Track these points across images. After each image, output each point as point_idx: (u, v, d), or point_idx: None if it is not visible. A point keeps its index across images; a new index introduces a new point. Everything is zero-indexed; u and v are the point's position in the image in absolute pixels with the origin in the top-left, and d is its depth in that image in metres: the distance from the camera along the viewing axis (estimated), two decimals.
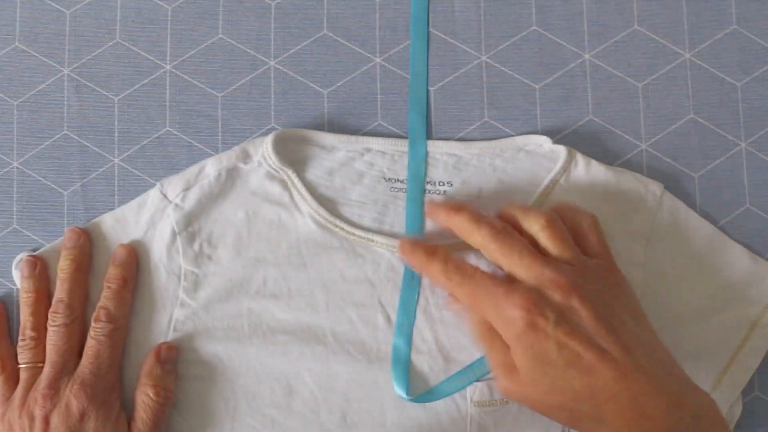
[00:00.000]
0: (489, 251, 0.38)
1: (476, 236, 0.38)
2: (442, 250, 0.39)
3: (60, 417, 0.39)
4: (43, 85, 0.46)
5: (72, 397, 0.39)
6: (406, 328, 0.43)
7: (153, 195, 0.44)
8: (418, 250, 0.40)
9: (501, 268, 0.39)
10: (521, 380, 0.36)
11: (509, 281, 0.37)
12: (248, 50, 0.46)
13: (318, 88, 0.46)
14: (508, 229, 0.38)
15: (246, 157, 0.44)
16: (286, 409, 0.42)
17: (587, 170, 0.44)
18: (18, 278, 0.43)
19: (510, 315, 0.35)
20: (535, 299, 0.35)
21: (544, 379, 0.35)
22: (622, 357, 0.35)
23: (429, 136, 0.46)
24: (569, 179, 0.44)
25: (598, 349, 0.35)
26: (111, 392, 0.40)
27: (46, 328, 0.41)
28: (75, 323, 0.41)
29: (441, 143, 0.45)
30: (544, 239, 0.38)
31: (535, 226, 0.39)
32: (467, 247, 0.44)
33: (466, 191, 0.45)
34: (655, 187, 0.44)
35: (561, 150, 0.44)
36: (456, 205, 0.40)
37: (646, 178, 0.45)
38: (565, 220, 0.40)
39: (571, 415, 0.36)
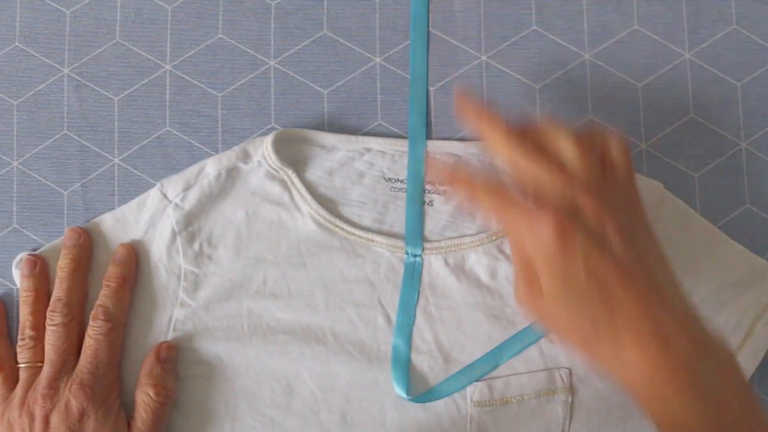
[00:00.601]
0: (517, 165, 0.37)
1: (505, 149, 0.37)
2: (479, 178, 0.38)
3: (60, 416, 0.39)
4: (43, 85, 0.46)
5: (71, 397, 0.39)
6: (406, 328, 0.43)
7: (153, 195, 0.44)
8: (458, 173, 0.38)
9: (526, 184, 0.37)
10: (543, 297, 0.35)
11: (539, 197, 0.36)
12: (248, 50, 0.46)
13: (318, 88, 0.46)
14: (538, 146, 0.37)
15: (246, 157, 0.44)
16: (286, 409, 0.42)
17: None
18: (18, 277, 0.43)
19: (540, 229, 0.34)
20: (567, 215, 0.34)
21: (566, 296, 0.34)
22: (647, 284, 0.34)
23: (429, 136, 0.46)
24: None
25: (625, 272, 0.34)
26: (110, 391, 0.40)
27: (45, 328, 0.41)
28: (73, 322, 0.41)
29: (441, 143, 0.45)
30: (573, 157, 0.37)
31: (564, 143, 0.37)
32: (468, 246, 0.44)
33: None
34: (655, 187, 0.44)
35: None
36: (488, 113, 0.39)
37: (646, 178, 0.45)
38: (595, 142, 0.38)
39: (588, 338, 0.35)
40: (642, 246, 0.35)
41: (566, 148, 0.37)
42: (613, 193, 0.37)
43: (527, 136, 0.37)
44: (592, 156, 0.37)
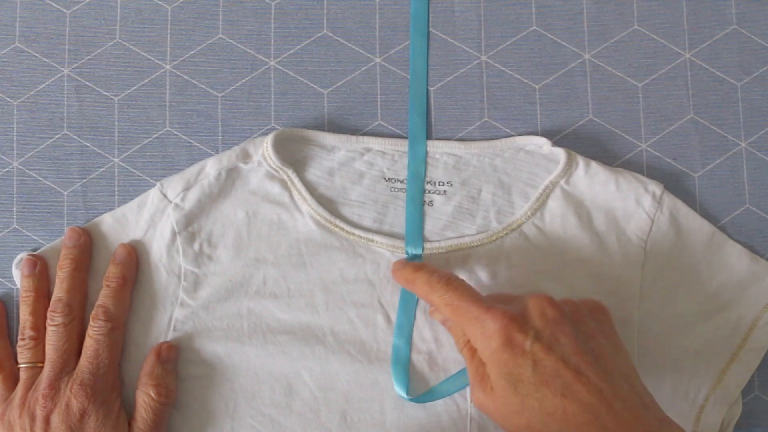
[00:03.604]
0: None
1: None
2: (429, 265, 0.40)
3: (60, 417, 0.39)
4: (43, 85, 0.46)
5: (72, 397, 0.39)
6: (406, 328, 0.43)
7: (153, 195, 0.44)
8: (407, 266, 0.40)
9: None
10: (494, 396, 0.35)
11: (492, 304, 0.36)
12: (248, 50, 0.46)
13: (318, 88, 0.46)
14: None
15: (246, 157, 0.44)
16: (286, 409, 0.42)
17: (587, 171, 0.44)
18: (18, 277, 0.43)
19: (489, 328, 0.35)
20: (516, 316, 0.35)
21: (515, 397, 0.34)
22: (599, 381, 0.34)
23: (429, 136, 0.46)
24: (570, 181, 0.44)
25: (575, 370, 0.34)
26: (111, 391, 0.40)
27: (45, 328, 0.41)
28: (74, 322, 0.41)
29: (441, 143, 0.45)
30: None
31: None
32: (468, 246, 0.44)
33: (466, 191, 0.45)
34: (655, 187, 0.44)
35: (560, 153, 0.44)
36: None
37: (646, 178, 0.45)
38: None
39: None
40: (598, 345, 0.35)
41: None
42: (573, 301, 0.37)
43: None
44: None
